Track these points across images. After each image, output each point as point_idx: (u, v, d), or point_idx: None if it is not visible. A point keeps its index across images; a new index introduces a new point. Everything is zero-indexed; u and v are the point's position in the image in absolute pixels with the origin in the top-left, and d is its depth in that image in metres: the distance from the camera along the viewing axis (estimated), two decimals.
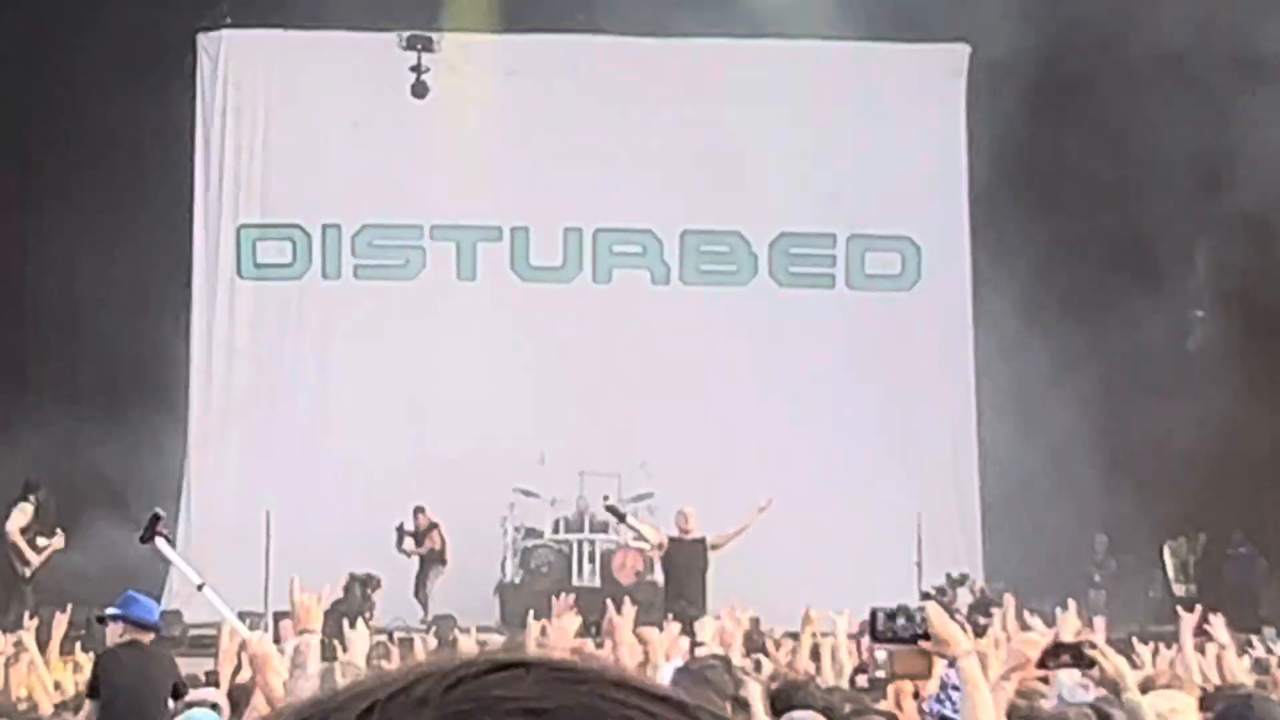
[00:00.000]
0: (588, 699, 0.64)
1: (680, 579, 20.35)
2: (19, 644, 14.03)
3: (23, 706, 12.76)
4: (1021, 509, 23.39)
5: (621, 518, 21.37)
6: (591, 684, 0.65)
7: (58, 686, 13.29)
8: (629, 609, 12.46)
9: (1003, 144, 24.41)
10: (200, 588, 15.02)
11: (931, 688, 8.31)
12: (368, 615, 18.90)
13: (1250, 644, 14.46)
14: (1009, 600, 16.49)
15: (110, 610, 12.17)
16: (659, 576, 21.16)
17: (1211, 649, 11.68)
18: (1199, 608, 13.40)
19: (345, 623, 13.05)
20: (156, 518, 13.24)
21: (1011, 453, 23.65)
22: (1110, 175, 23.82)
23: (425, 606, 21.77)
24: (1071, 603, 14.33)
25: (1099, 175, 23.95)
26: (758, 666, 11.83)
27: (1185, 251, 24.76)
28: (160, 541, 12.55)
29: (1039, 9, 23.27)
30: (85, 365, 24.60)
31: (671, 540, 20.50)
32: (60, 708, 11.66)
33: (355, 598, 20.17)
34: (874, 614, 6.57)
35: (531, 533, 22.57)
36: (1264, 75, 22.50)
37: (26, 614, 17.33)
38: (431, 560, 22.10)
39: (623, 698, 0.64)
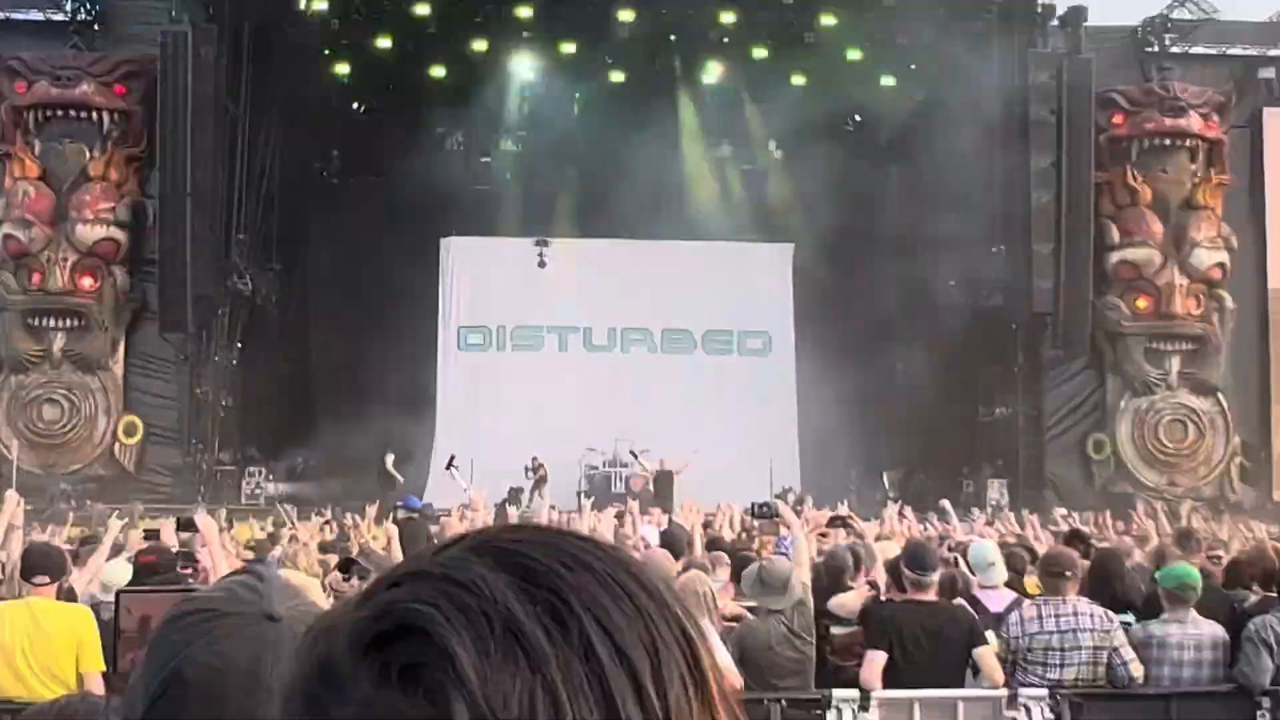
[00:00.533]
0: (553, 539, 0.76)
1: (662, 489, 24.58)
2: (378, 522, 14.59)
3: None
4: (818, 459, 28.03)
5: (635, 458, 26.10)
6: (556, 536, 0.77)
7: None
8: (634, 503, 16.46)
9: (810, 292, 30.16)
10: (451, 464, 22.92)
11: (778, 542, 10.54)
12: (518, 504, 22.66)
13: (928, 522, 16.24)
14: (809, 500, 20.05)
15: (399, 504, 15.09)
16: (652, 488, 24.87)
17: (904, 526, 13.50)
18: (900, 503, 17.88)
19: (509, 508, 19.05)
20: (452, 457, 22.98)
21: (816, 429, 28.60)
22: (868, 310, 29.01)
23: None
24: (843, 503, 17.80)
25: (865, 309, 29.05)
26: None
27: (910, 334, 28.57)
28: (452, 469, 21.82)
29: (837, 219, 28.80)
30: (390, 386, 27.65)
31: (657, 472, 25.48)
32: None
33: (514, 494, 24.39)
34: (751, 505, 10.81)
35: (592, 467, 27.06)
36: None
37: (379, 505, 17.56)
38: (541, 481, 24.24)
39: (575, 542, 0.76)
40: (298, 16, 27.52)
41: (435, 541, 0.88)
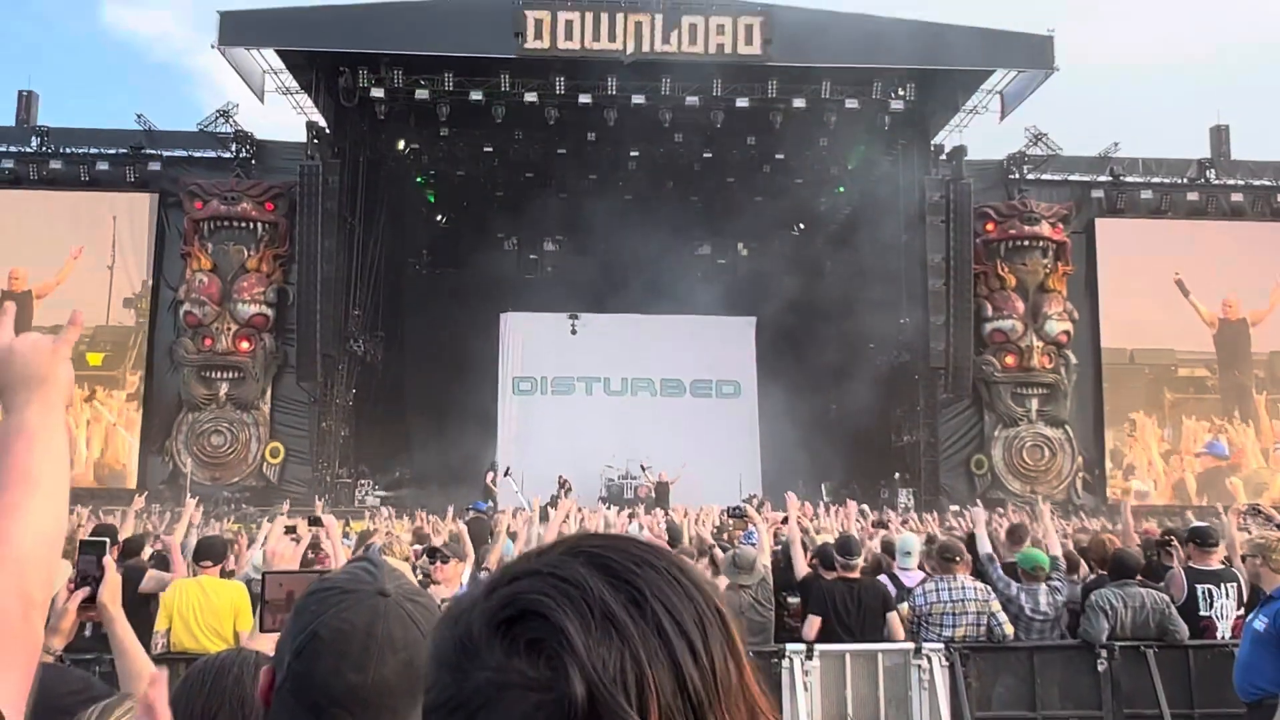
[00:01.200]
0: (626, 545, 0.78)
1: (661, 495, 24.35)
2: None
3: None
4: (775, 473, 27.32)
5: (644, 470, 26.19)
6: (627, 542, 0.79)
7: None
8: (640, 507, 18.44)
9: (769, 351, 30.14)
10: (507, 473, 23.25)
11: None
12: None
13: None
14: (768, 505, 18.77)
15: (469, 506, 15.02)
16: (654, 494, 24.76)
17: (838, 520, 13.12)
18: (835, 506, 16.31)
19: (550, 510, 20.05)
20: (508, 469, 23.44)
21: (773, 452, 28.59)
22: (811, 364, 28.61)
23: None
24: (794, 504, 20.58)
25: (809, 364, 28.68)
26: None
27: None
28: (507, 477, 22.26)
29: (787, 298, 29.19)
30: (463, 421, 27.09)
31: (657, 483, 25.38)
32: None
33: (553, 500, 23.28)
34: (726, 509, 10.86)
35: (609, 479, 26.87)
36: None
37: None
38: (567, 493, 21.51)
39: (641, 546, 0.79)
40: (398, 154, 27.75)
41: (535, 546, 0.94)
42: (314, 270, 23.86)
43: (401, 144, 27.50)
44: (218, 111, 25.53)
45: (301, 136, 25.38)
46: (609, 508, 16.71)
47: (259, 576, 6.17)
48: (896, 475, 27.02)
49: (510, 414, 30.02)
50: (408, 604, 1.35)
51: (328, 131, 25.21)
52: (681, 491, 24.03)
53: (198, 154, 26.08)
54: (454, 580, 6.21)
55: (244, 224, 25.33)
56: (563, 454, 27.01)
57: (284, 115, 27.06)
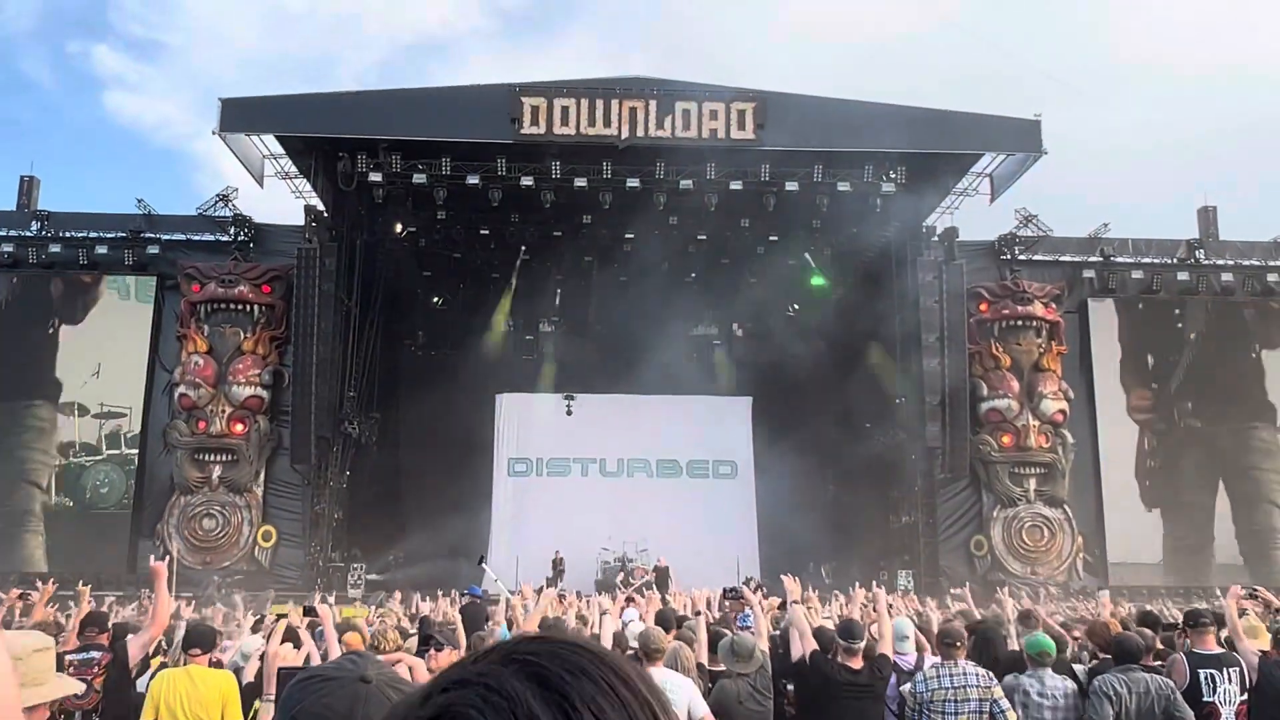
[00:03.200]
0: (561, 652, 0.78)
1: (660, 580, 22.67)
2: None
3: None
4: (772, 555, 27.49)
5: (640, 554, 26.16)
6: (564, 648, 0.78)
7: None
8: (637, 595, 16.85)
9: (766, 432, 29.95)
10: (481, 561, 21.70)
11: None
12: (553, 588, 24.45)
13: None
14: (763, 590, 19.81)
15: (465, 591, 14.49)
16: (651, 578, 22.91)
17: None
18: (836, 592, 16.98)
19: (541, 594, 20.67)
20: (482, 557, 22.48)
21: (770, 533, 28.56)
22: (808, 445, 28.34)
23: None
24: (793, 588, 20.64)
25: (806, 445, 28.33)
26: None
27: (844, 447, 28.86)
28: (484, 565, 21.27)
29: (784, 379, 29.88)
30: (458, 502, 27.52)
31: (656, 567, 24.62)
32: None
33: (551, 577, 24.05)
34: (724, 590, 10.46)
35: (605, 562, 26.57)
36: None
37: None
38: (560, 572, 25.26)
39: (578, 652, 0.78)
40: (395, 236, 27.90)
41: (476, 648, 0.93)
42: (310, 352, 23.91)
43: (399, 227, 27.73)
44: (217, 196, 25.82)
45: (299, 220, 25.61)
46: (601, 594, 16.90)
47: (243, 665, 6.14)
48: (895, 557, 26.78)
49: (505, 495, 29.87)
50: (390, 690, 1.36)
51: (325, 215, 25.46)
52: (679, 572, 23.66)
53: (196, 237, 26.28)
54: None
55: (240, 306, 25.45)
56: (558, 535, 26.95)
57: (283, 200, 27.02)
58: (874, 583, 15.16)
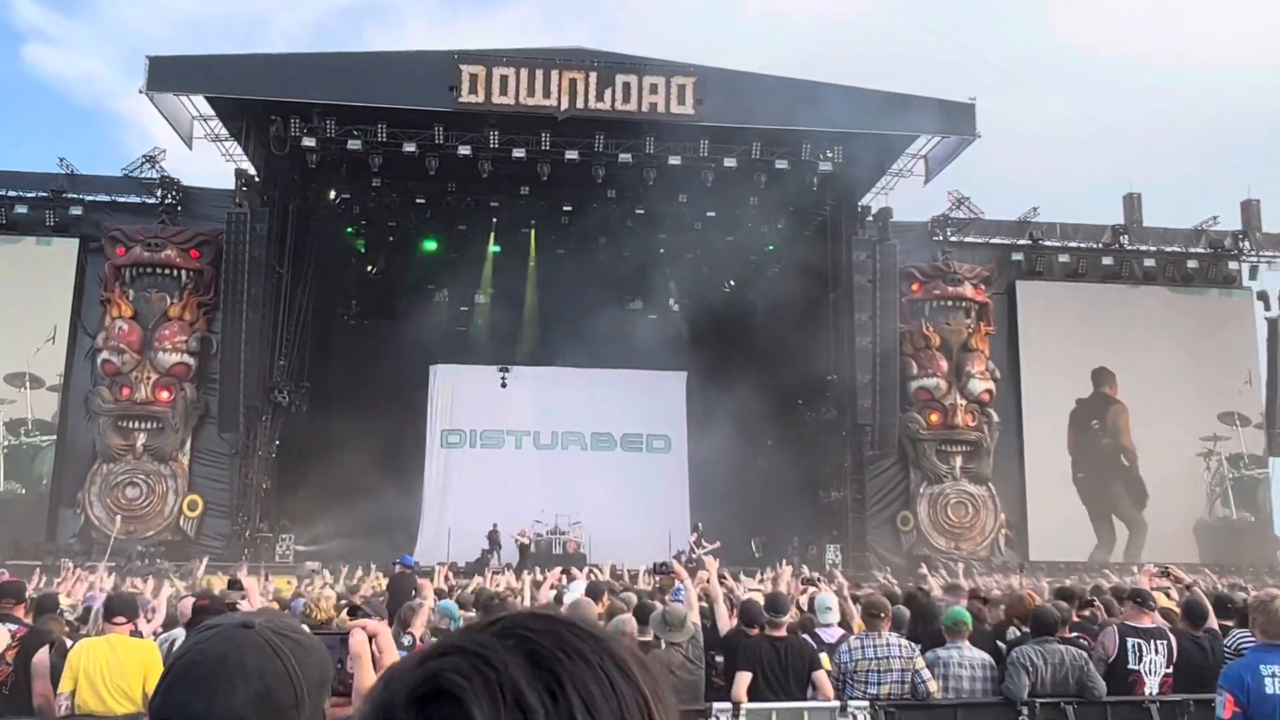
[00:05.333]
0: (560, 630, 0.78)
1: (590, 553, 24.86)
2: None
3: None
4: (707, 529, 26.16)
5: (570, 529, 26.48)
6: (564, 627, 0.79)
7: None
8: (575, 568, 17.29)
9: (699, 407, 29.98)
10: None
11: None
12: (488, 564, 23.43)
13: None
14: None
15: (397, 560, 14.33)
16: (584, 551, 25.39)
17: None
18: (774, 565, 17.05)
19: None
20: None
21: (702, 507, 28.33)
22: (740, 421, 27.72)
23: (499, 558, 25.17)
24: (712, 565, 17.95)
25: (738, 420, 27.74)
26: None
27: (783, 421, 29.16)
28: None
29: (718, 354, 30.21)
30: (390, 474, 27.39)
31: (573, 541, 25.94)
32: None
33: (485, 556, 25.14)
34: (654, 564, 11.75)
35: (539, 535, 26.22)
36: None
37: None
38: (498, 545, 25.75)
39: (576, 632, 0.79)
40: (328, 203, 27.53)
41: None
42: (239, 319, 23.48)
43: (332, 193, 27.31)
44: (144, 157, 25.26)
45: (230, 184, 25.05)
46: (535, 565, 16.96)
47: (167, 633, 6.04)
48: (824, 532, 27.08)
49: (438, 467, 29.63)
50: (273, 636, 1.35)
51: (257, 179, 24.93)
52: (611, 545, 24.03)
53: (122, 199, 25.63)
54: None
55: (167, 271, 24.90)
56: (490, 508, 26.88)
57: (212, 162, 26.28)
58: (782, 560, 15.32)
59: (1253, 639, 5.36)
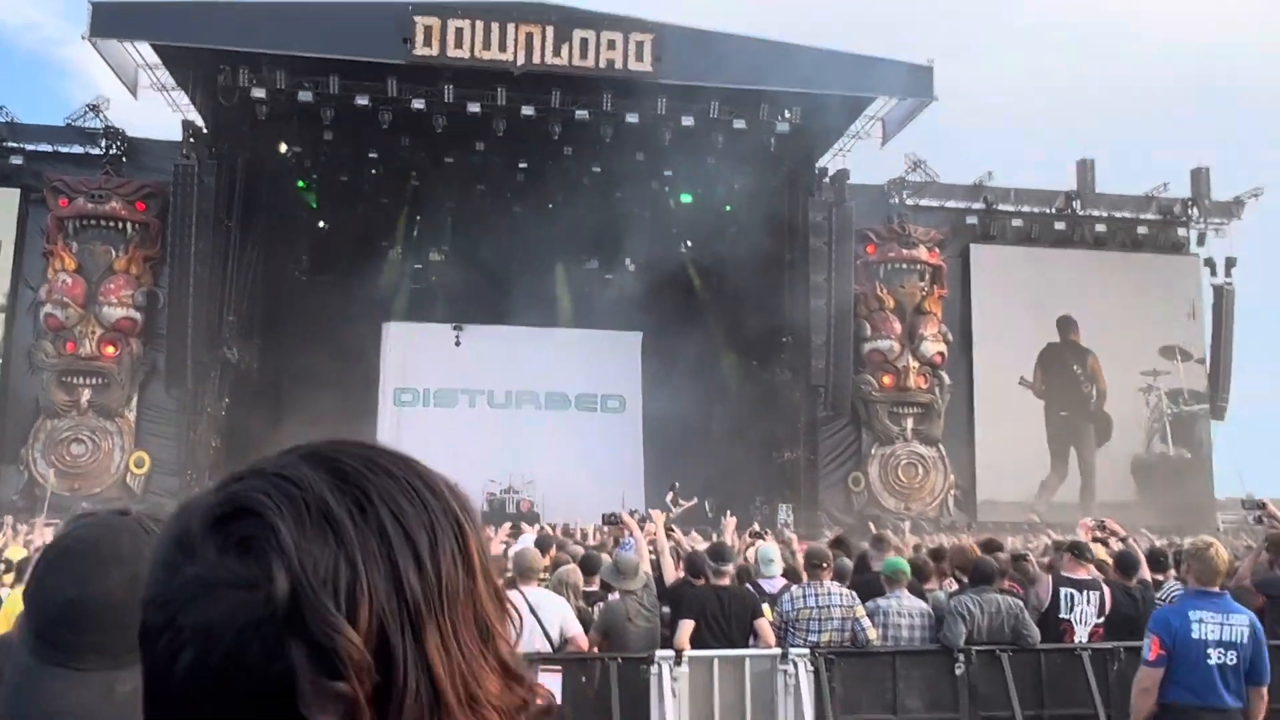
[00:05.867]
0: (364, 451, 0.79)
1: (544, 512, 24.58)
2: None
3: None
4: (657, 488, 26.10)
5: (524, 488, 26.77)
6: (367, 449, 0.80)
7: None
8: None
9: (654, 367, 30.02)
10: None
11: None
12: None
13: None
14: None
15: None
16: (537, 510, 25.39)
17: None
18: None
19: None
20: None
21: (655, 467, 28.63)
22: (695, 381, 27.86)
23: None
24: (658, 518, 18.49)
25: (693, 381, 27.90)
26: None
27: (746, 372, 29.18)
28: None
29: (674, 314, 29.63)
30: (341, 433, 27.83)
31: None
32: None
33: None
34: (604, 516, 11.01)
35: (491, 494, 26.29)
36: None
37: None
38: None
39: (381, 453, 0.80)
40: (278, 155, 27.02)
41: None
42: (186, 273, 23.10)
43: (283, 147, 26.86)
44: (87, 106, 24.69)
45: (177, 135, 24.44)
46: (490, 522, 17.02)
47: None
48: (776, 492, 27.43)
49: (390, 426, 29.22)
50: (149, 521, 1.35)
51: (205, 131, 24.44)
52: (565, 504, 24.00)
53: (64, 149, 25.07)
54: None
55: (112, 223, 24.44)
56: (444, 467, 21.70)
57: (159, 112, 25.77)
58: (728, 511, 15.61)
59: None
